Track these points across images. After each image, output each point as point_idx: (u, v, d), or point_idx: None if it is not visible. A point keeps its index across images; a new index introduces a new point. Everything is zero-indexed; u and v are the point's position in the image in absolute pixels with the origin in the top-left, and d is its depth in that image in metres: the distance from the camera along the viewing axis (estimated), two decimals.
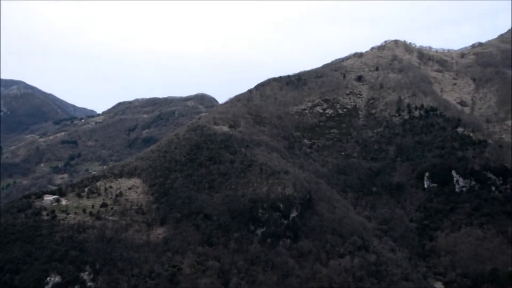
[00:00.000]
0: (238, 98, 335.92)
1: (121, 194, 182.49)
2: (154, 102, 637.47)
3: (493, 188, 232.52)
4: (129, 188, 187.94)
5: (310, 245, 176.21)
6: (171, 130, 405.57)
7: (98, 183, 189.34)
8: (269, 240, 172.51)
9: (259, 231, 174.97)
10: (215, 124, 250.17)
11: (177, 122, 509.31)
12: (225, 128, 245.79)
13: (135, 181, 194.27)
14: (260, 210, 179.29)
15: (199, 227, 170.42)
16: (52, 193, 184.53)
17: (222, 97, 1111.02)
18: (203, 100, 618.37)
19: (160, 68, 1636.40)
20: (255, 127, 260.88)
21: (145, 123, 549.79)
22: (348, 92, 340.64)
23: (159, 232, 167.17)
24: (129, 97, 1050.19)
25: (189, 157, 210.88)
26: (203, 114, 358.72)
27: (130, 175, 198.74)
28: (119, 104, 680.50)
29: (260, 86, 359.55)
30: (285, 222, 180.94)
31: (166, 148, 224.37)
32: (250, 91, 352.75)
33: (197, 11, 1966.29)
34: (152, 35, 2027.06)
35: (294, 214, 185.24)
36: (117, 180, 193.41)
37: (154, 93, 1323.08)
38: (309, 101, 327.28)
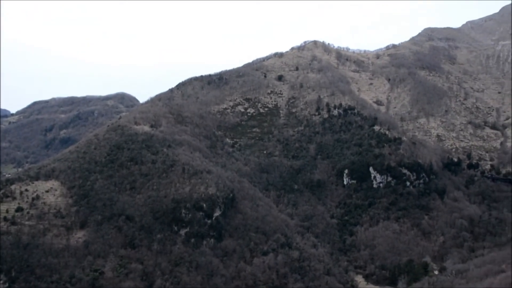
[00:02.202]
0: (159, 98, 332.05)
1: (38, 197, 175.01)
2: (72, 101, 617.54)
3: (408, 183, 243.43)
4: (47, 191, 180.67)
5: (234, 244, 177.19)
6: (91, 130, 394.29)
7: (12, 187, 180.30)
8: (192, 240, 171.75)
9: (182, 232, 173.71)
10: (136, 123, 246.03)
11: (96, 122, 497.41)
12: (146, 128, 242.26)
13: (52, 184, 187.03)
14: (183, 210, 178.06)
15: (121, 229, 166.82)
16: None
17: (143, 97, 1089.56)
18: (124, 99, 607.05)
19: (77, 66, 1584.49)
20: (176, 127, 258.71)
21: (63, 123, 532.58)
22: (269, 91, 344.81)
23: (79, 235, 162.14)
24: (45, 96, 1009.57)
25: (110, 158, 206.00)
26: (124, 113, 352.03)
27: (47, 177, 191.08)
28: (35, 103, 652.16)
29: (181, 86, 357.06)
30: (209, 221, 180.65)
31: (85, 148, 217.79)
32: (171, 90, 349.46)
33: (115, 10, 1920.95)
34: (71, 34, 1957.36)
35: (217, 213, 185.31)
36: (33, 183, 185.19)
37: (71, 92, 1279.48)
38: (230, 101, 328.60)
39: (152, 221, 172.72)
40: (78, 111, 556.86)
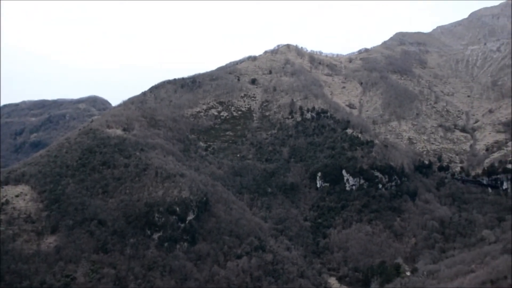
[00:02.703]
0: (132, 101, 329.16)
1: (7, 202, 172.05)
2: (42, 105, 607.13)
3: (380, 186, 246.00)
4: (17, 196, 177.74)
5: (208, 248, 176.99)
6: (62, 134, 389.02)
7: None
8: (166, 244, 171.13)
9: (155, 236, 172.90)
10: (108, 127, 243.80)
11: (68, 126, 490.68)
12: (119, 132, 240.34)
13: (23, 188, 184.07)
14: (156, 214, 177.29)
15: (93, 234, 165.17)
16: None
17: (115, 100, 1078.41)
18: (96, 102, 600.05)
19: (49, 69, 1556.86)
20: (149, 130, 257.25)
21: (33, 126, 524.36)
22: (242, 94, 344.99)
23: (50, 241, 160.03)
24: (15, 99, 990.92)
25: (81, 162, 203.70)
26: (96, 117, 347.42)
27: (17, 181, 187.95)
28: (4, 106, 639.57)
29: (154, 89, 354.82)
30: (182, 225, 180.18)
31: (57, 152, 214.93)
32: (144, 93, 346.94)
33: (85, 11, 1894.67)
34: (41, 36, 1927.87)
35: (191, 217, 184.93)
36: (2, 188, 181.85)
37: (42, 95, 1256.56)
38: (204, 104, 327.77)
39: (125, 225, 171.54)
40: (49, 115, 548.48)
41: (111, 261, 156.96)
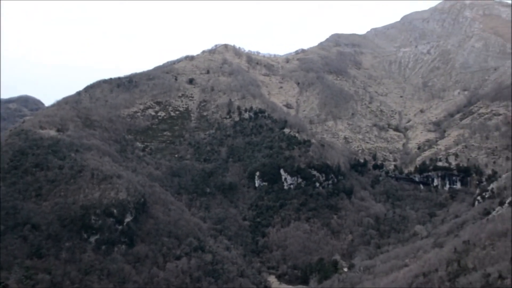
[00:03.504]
0: (66, 101, 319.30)
1: None
2: None
3: (317, 184, 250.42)
4: None
5: (147, 249, 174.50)
6: None
7: None
8: (103, 247, 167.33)
9: (92, 239, 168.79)
10: (41, 128, 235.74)
11: None
12: (53, 132, 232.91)
13: None
14: (93, 217, 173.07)
15: (26, 239, 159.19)
16: None
17: (48, 100, 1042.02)
18: (27, 102, 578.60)
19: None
20: (84, 131, 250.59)
21: None
22: (180, 94, 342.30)
23: None
24: None
25: (13, 164, 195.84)
26: (28, 117, 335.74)
27: None
28: None
29: (89, 88, 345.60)
30: (120, 227, 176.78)
31: None
32: (79, 93, 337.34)
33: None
34: None
35: (128, 219, 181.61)
36: None
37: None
38: (141, 104, 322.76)
39: (60, 229, 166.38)
40: None
41: (46, 266, 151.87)
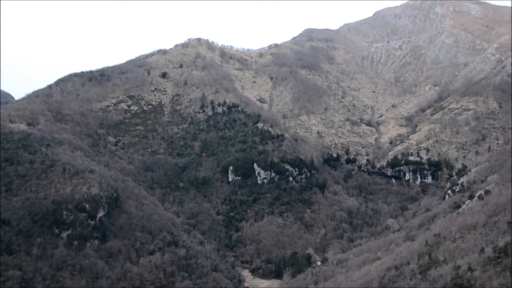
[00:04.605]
0: (36, 94, 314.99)
1: None
2: None
3: (291, 179, 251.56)
4: None
5: (119, 245, 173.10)
6: None
7: None
8: (75, 242, 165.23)
9: (64, 234, 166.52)
10: (11, 122, 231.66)
11: None
12: (23, 126, 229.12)
13: None
14: (65, 212, 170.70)
15: None
16: None
17: (18, 93, 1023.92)
18: None
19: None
20: (56, 125, 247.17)
21: None
22: (153, 88, 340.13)
23: None
24: None
25: None
26: None
27: None
28: None
29: (60, 82, 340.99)
30: (92, 222, 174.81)
31: None
32: (50, 86, 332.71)
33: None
34: None
35: (101, 214, 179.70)
36: None
37: None
38: (113, 98, 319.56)
39: (31, 224, 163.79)
40: None
41: (17, 263, 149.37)
